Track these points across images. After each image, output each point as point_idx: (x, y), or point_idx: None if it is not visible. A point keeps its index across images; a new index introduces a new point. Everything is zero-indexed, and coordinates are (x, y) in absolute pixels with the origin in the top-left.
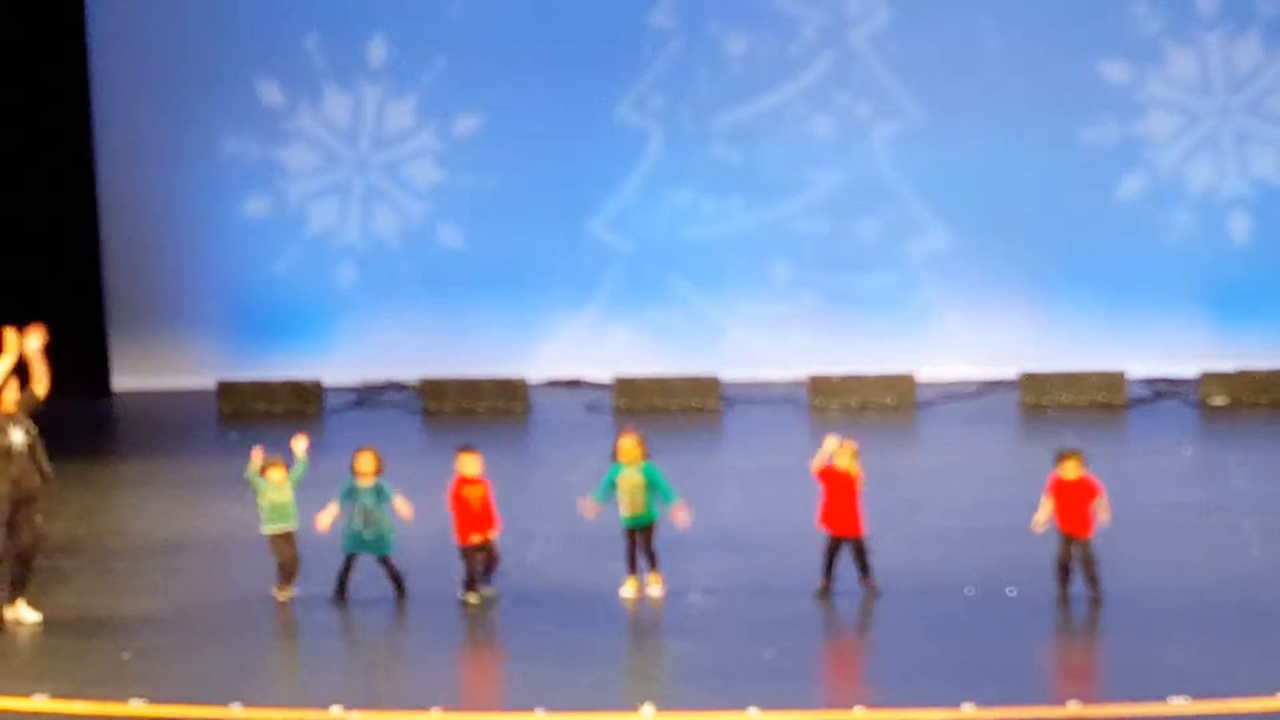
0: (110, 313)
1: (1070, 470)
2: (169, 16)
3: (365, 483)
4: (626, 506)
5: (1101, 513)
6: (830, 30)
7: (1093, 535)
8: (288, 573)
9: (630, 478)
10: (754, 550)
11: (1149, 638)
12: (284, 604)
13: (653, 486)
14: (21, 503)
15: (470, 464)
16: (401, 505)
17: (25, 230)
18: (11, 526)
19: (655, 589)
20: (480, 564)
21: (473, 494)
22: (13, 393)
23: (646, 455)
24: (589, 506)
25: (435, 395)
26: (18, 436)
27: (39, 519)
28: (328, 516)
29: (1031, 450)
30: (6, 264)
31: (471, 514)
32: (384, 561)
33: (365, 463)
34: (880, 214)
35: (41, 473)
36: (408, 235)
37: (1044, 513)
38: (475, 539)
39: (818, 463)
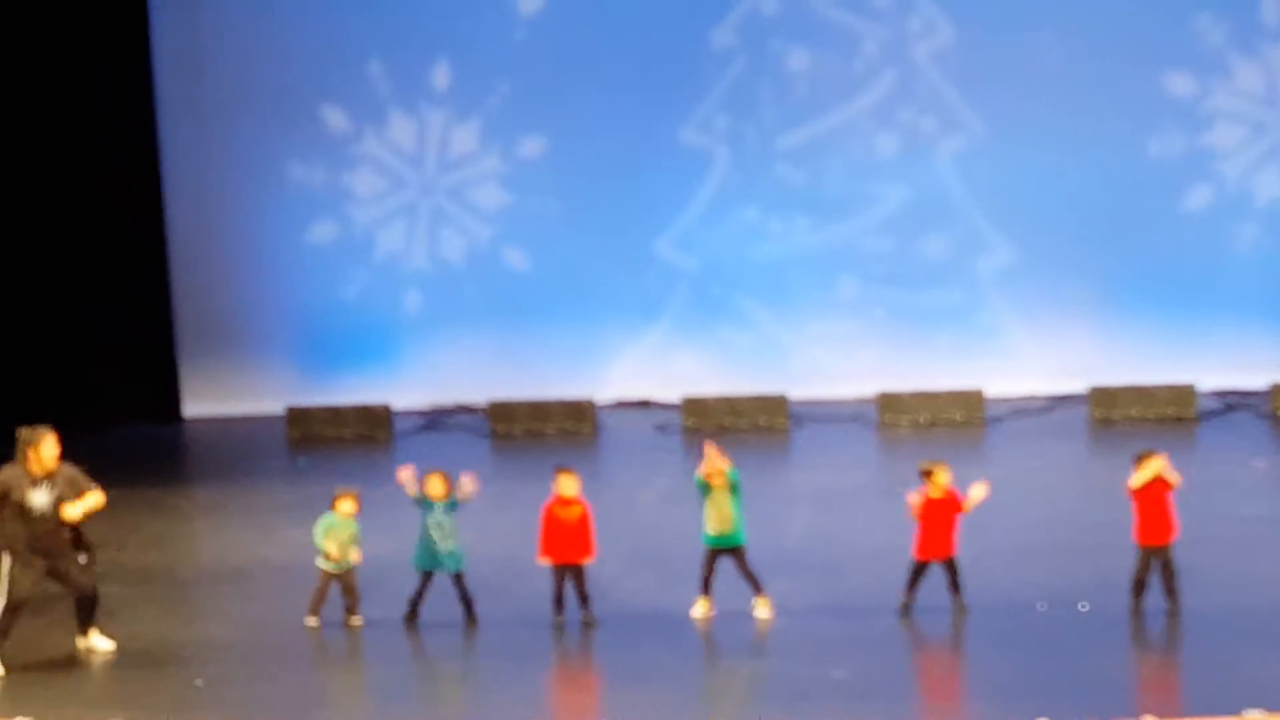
0: (180, 339)
1: (1149, 470)
2: (233, 45)
3: (438, 500)
4: (713, 524)
5: (1171, 475)
6: (892, 47)
7: (1174, 541)
8: (349, 604)
9: (717, 494)
10: (825, 569)
11: (1223, 651)
12: (355, 630)
13: (736, 494)
14: (51, 556)
15: (567, 484)
16: (462, 490)
17: (95, 259)
18: (58, 577)
19: (763, 611)
20: (566, 587)
21: (567, 515)
22: (52, 448)
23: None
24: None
25: (504, 418)
26: (40, 498)
27: (81, 558)
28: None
29: (1101, 465)
30: (78, 292)
31: (562, 534)
32: (457, 580)
33: (435, 486)
34: (946, 230)
35: (72, 526)
36: (474, 258)
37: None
38: (563, 560)
39: (914, 500)
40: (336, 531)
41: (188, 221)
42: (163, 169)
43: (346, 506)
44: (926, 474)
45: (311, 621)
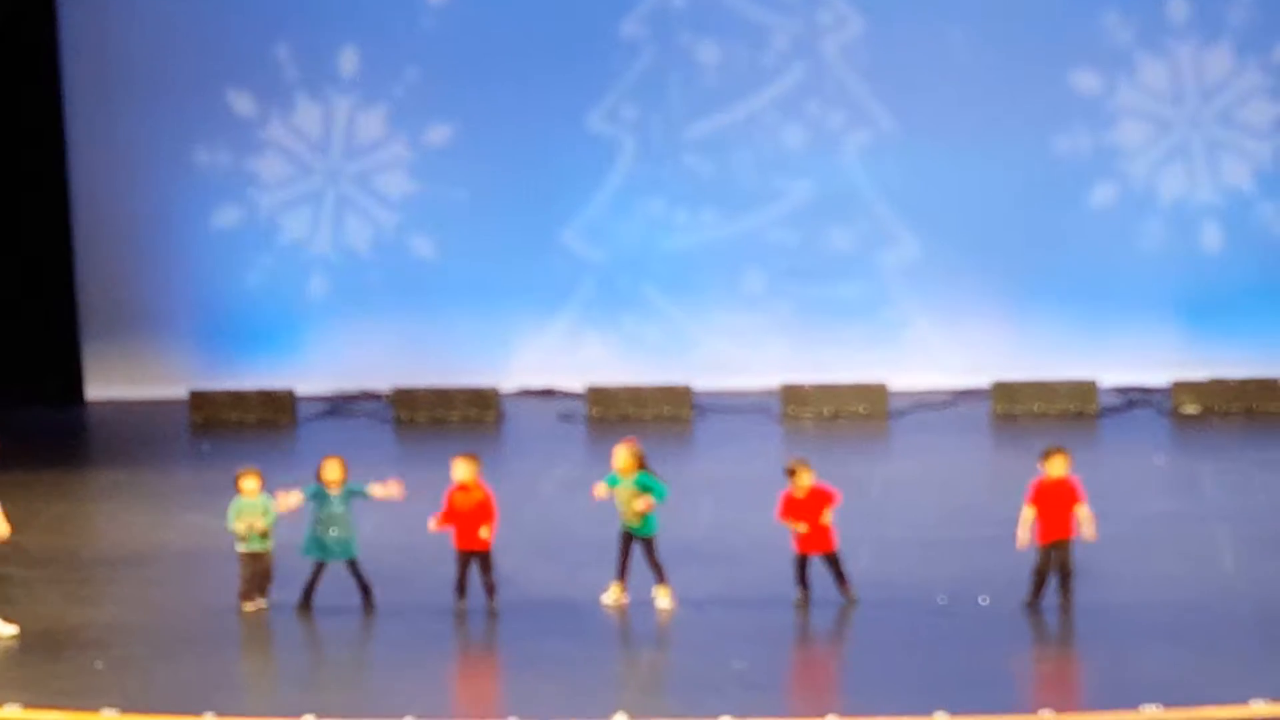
0: (83, 322)
1: (1056, 467)
2: (140, 27)
3: (334, 490)
4: (622, 515)
5: (1086, 525)
6: (802, 40)
7: (1074, 537)
8: (259, 585)
9: (625, 489)
10: (726, 560)
11: (1122, 647)
12: (253, 615)
13: (647, 492)
14: None
15: (462, 469)
16: (379, 489)
17: None
18: None
19: (664, 601)
20: (470, 574)
21: (467, 501)
22: None
23: (642, 466)
24: (598, 489)
25: (408, 404)
26: None
27: None
28: (293, 499)
29: (1004, 459)
30: None
31: (463, 520)
32: (352, 566)
33: (332, 470)
34: (852, 224)
35: None
36: (379, 245)
37: (1025, 527)
38: (466, 546)
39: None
40: (245, 512)
41: (92, 204)
42: (67, 151)
43: (250, 484)
44: (790, 473)
45: (249, 606)
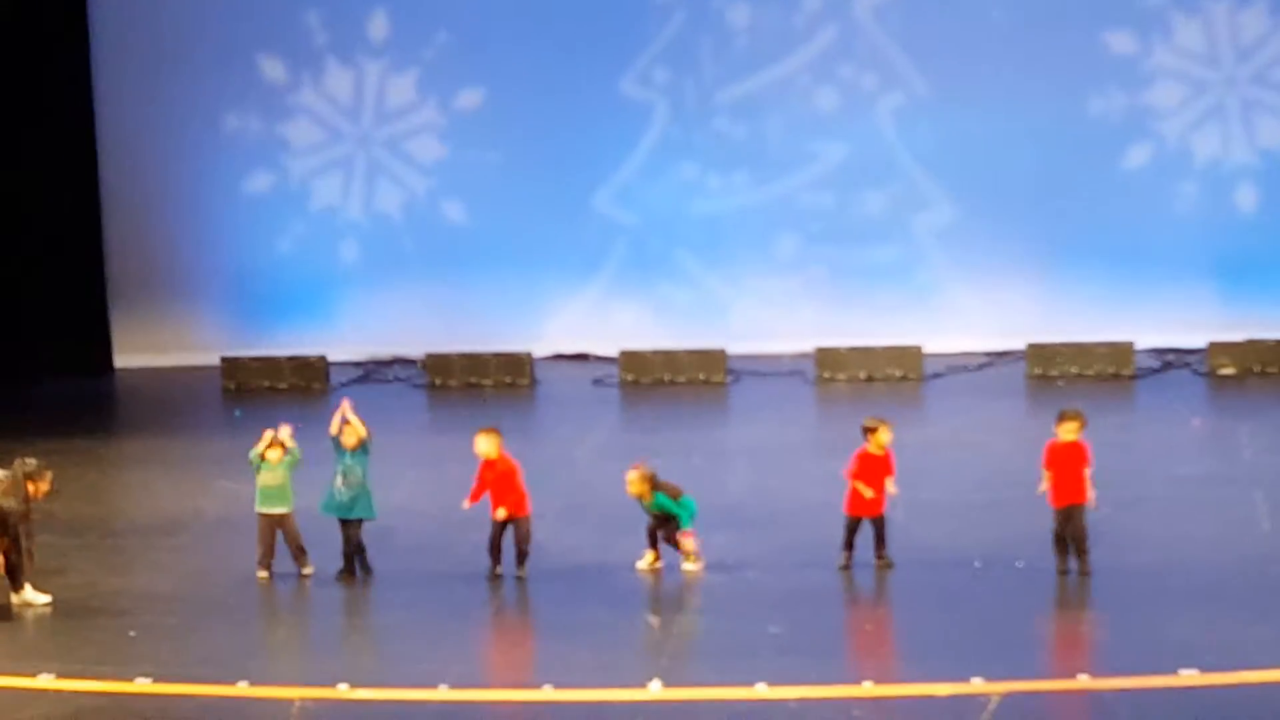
0: (112, 290)
1: (1068, 431)
2: None
3: (350, 447)
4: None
5: (1088, 492)
6: (833, 2)
7: (1087, 502)
8: (295, 554)
9: (649, 509)
10: (762, 525)
11: (1158, 611)
12: (305, 580)
13: (673, 517)
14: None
15: (483, 444)
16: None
17: (26, 208)
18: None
19: (689, 565)
20: (504, 535)
21: (494, 473)
22: None
23: (656, 487)
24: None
25: (440, 370)
26: None
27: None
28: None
29: (1039, 421)
30: (7, 242)
31: (494, 491)
32: (356, 525)
33: (349, 436)
34: (886, 187)
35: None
36: (411, 211)
37: (1045, 484)
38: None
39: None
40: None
41: (121, 172)
42: (96, 119)
43: (273, 455)
44: (869, 430)
45: (263, 574)
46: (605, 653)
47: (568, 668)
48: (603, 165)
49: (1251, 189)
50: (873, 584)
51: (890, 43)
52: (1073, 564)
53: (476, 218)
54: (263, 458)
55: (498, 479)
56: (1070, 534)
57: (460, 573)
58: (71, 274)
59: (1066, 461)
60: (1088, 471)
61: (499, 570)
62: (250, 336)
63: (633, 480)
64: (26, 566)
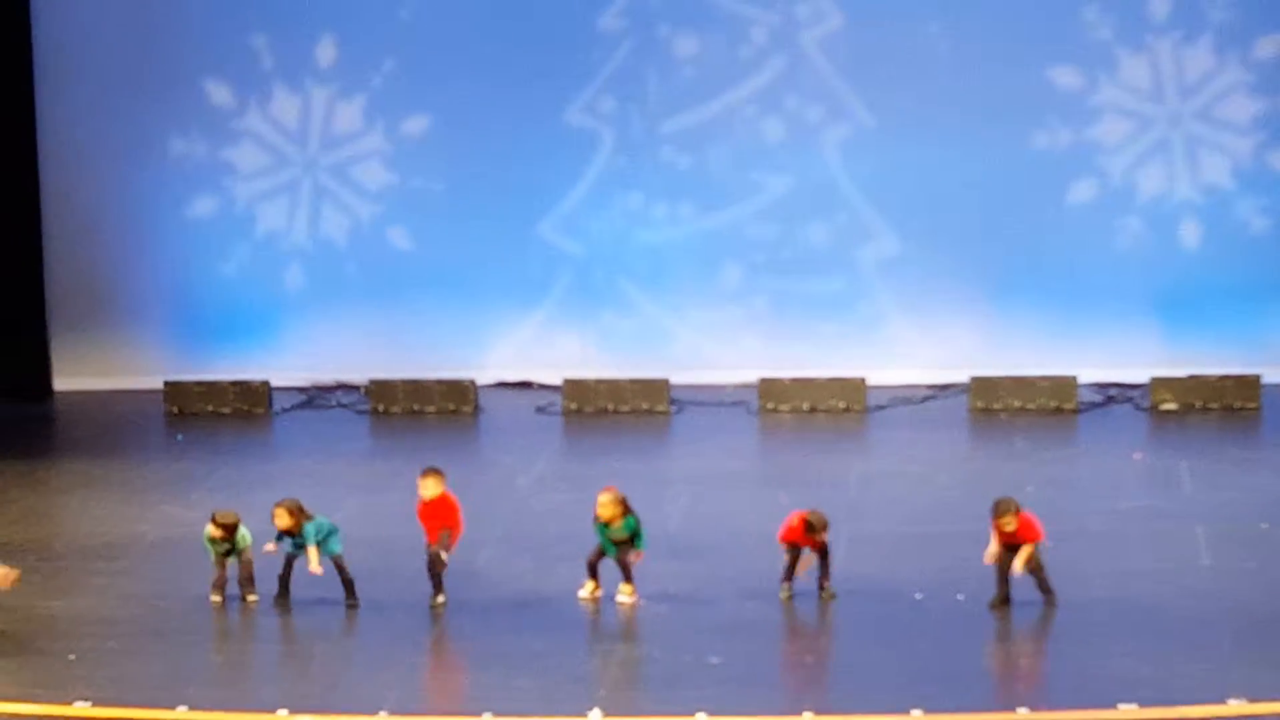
0: (52, 313)
1: (1008, 524)
2: (116, 14)
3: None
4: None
5: (1019, 560)
6: (781, 33)
7: (1040, 540)
8: (243, 580)
9: (616, 534)
10: (702, 554)
11: (1098, 644)
12: (220, 607)
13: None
14: None
15: (426, 487)
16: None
17: None
18: None
19: (625, 598)
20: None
21: (433, 510)
22: None
23: (628, 510)
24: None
25: (384, 396)
26: None
27: None
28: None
29: (981, 455)
30: None
31: (433, 523)
32: (335, 562)
33: (281, 519)
34: (831, 218)
35: None
36: (356, 236)
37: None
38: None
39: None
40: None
41: (63, 193)
42: (38, 139)
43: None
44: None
45: (217, 597)
46: (545, 680)
47: (508, 695)
48: (548, 194)
49: (1195, 225)
50: (814, 615)
51: (836, 75)
52: (1023, 595)
53: (422, 245)
54: (211, 540)
55: (440, 515)
56: (1029, 569)
57: (401, 600)
58: (10, 296)
59: (1019, 541)
60: (1041, 543)
61: (440, 598)
62: (193, 360)
63: (605, 503)
64: None
